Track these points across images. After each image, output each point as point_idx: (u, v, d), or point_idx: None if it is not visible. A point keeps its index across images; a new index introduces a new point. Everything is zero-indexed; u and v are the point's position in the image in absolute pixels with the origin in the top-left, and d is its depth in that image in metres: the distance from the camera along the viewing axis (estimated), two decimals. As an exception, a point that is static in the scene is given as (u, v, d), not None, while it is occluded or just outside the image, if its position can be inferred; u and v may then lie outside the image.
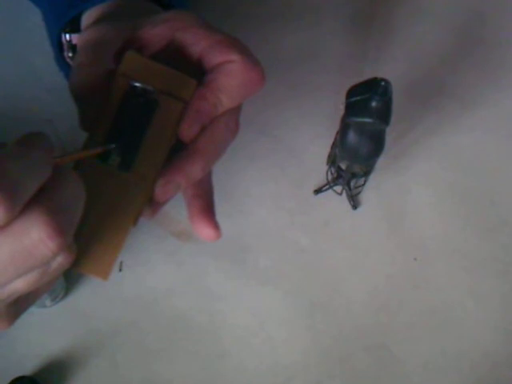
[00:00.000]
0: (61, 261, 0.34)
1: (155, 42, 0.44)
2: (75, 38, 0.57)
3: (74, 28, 0.56)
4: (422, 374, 0.68)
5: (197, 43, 0.44)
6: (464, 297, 0.71)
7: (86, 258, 0.39)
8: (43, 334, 0.66)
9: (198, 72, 0.44)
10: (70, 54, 0.58)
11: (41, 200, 0.31)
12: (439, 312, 0.70)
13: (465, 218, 0.75)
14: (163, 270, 0.70)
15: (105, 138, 0.40)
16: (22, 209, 0.31)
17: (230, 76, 0.43)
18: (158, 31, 0.44)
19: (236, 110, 0.45)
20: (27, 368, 0.64)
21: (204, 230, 0.44)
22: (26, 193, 0.31)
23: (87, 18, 0.53)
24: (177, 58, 0.44)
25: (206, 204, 0.45)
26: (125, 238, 0.40)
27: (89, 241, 0.39)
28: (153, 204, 0.42)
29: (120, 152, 0.40)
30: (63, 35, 0.57)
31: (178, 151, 0.42)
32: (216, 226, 0.44)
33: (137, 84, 0.40)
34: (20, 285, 0.34)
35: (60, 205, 0.32)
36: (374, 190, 0.75)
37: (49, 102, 0.74)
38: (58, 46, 0.58)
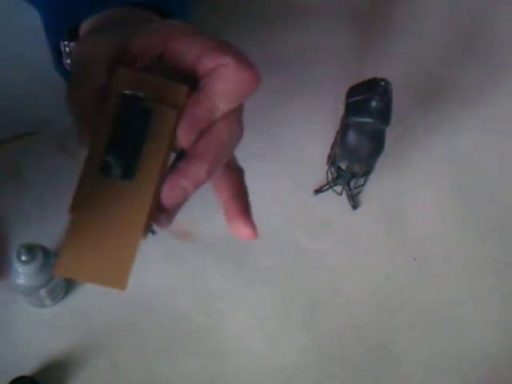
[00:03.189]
0: None
1: (147, 54, 0.44)
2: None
3: (73, 36, 0.56)
4: (422, 374, 0.68)
5: (189, 52, 0.44)
6: (464, 297, 0.71)
7: (101, 271, 0.40)
8: (43, 334, 0.66)
9: (193, 80, 0.44)
10: (68, 61, 0.58)
11: None
12: (439, 312, 0.70)
13: (465, 218, 0.75)
14: (163, 270, 0.70)
15: (104, 151, 0.41)
16: None
17: (224, 79, 0.43)
18: (148, 42, 0.44)
19: (237, 112, 0.45)
20: (27, 368, 0.64)
21: (243, 230, 0.45)
22: None
23: (85, 27, 0.53)
24: (171, 68, 0.44)
25: (242, 205, 0.46)
26: (136, 247, 0.41)
27: (101, 253, 0.40)
28: (165, 212, 0.42)
29: (121, 163, 0.40)
30: (62, 44, 0.57)
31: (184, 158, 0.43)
32: (254, 225, 0.45)
33: (126, 92, 0.41)
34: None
35: None
36: (374, 189, 0.75)
37: (49, 102, 0.74)
38: (57, 53, 0.58)
